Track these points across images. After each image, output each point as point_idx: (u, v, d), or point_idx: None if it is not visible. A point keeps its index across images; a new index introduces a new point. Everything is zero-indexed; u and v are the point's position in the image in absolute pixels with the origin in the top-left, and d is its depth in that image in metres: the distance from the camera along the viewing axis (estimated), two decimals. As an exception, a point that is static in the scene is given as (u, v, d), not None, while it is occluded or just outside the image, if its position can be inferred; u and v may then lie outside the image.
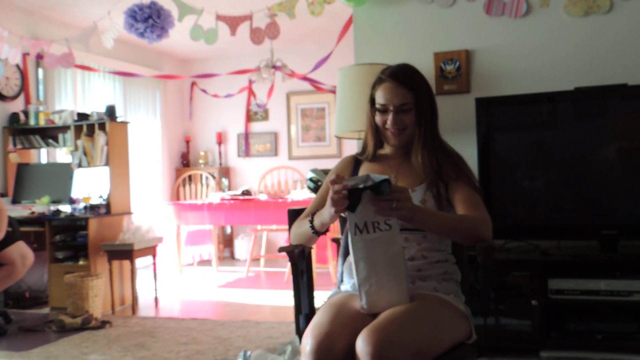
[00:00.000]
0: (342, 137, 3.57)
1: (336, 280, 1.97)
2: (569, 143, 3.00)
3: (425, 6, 3.46)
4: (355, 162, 1.96)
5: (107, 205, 4.71)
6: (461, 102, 3.38)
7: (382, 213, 1.53)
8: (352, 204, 1.55)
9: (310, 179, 1.98)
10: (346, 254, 1.89)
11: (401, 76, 1.83)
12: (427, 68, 3.45)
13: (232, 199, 5.75)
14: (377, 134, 1.90)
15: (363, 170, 1.90)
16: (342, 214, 1.62)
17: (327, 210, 1.64)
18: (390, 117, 1.82)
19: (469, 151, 3.32)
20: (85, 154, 4.72)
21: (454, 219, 1.73)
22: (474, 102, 3.14)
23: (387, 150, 1.94)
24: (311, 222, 1.76)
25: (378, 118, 1.86)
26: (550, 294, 2.87)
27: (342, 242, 2.01)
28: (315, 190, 2.00)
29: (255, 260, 6.53)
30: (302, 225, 1.84)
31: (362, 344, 1.47)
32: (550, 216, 3.06)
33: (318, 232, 1.76)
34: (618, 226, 2.91)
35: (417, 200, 1.78)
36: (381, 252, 1.57)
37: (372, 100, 1.88)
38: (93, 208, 4.65)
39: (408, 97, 1.81)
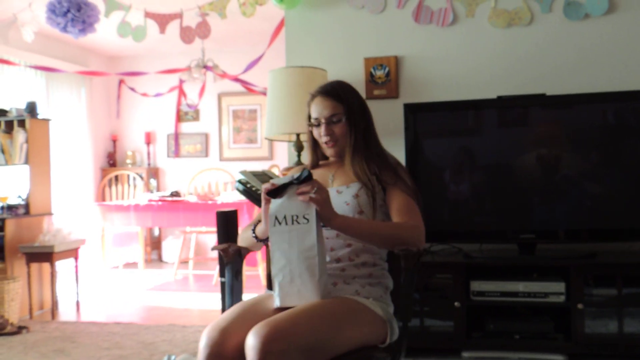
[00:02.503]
0: (272, 139, 3.56)
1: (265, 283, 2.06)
2: (491, 149, 3.11)
3: (357, 11, 3.50)
4: None
5: (26, 206, 4.50)
6: (390, 107, 3.44)
7: (302, 197, 1.66)
8: (275, 195, 1.68)
9: (239, 181, 1.96)
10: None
11: (329, 90, 1.97)
12: (357, 73, 3.49)
13: (160, 200, 5.63)
14: (317, 146, 2.04)
15: None
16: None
17: (264, 217, 1.74)
18: (322, 128, 1.95)
19: (397, 155, 3.36)
20: (2, 151, 4.50)
21: (376, 224, 1.83)
22: (402, 107, 3.20)
23: (329, 158, 2.07)
24: (254, 228, 1.88)
25: (315, 132, 2.00)
26: (472, 295, 2.97)
27: None
28: (244, 192, 1.98)
29: (184, 262, 6.41)
30: (246, 231, 1.95)
31: (250, 338, 1.52)
32: (473, 220, 3.16)
33: (258, 239, 1.87)
34: (536, 230, 3.03)
35: (351, 194, 1.89)
36: (295, 244, 1.66)
37: (309, 118, 2.01)
38: (11, 208, 4.44)
39: (337, 108, 1.94)
